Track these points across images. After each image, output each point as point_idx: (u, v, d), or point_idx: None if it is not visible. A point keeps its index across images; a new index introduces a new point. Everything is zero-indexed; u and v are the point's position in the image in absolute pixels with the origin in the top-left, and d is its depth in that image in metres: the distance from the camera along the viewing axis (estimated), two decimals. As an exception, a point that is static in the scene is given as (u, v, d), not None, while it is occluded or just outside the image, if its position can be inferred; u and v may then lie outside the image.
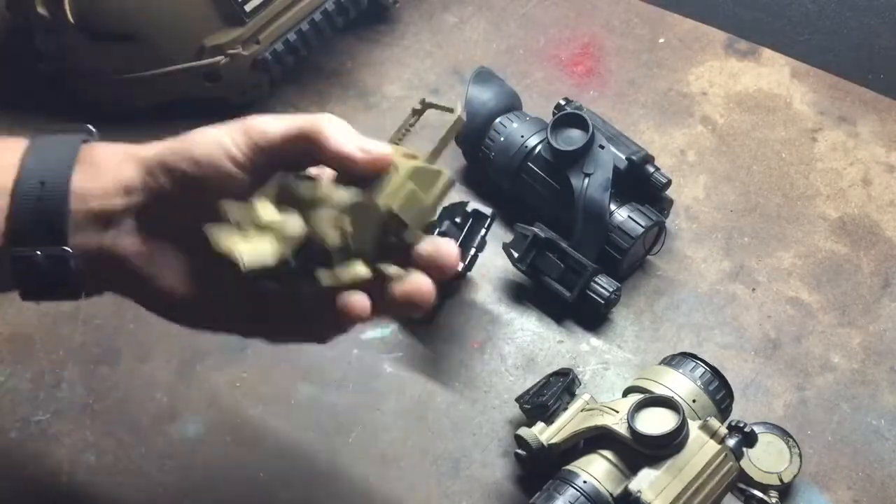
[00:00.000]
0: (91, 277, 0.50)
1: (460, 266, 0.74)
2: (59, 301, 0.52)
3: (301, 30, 0.89)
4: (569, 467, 0.65)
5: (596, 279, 0.77)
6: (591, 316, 0.80)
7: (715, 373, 0.68)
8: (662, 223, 0.81)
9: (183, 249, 0.51)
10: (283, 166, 0.50)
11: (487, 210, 0.77)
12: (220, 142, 0.48)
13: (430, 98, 0.58)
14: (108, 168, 0.49)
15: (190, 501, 0.70)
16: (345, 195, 0.49)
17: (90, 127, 0.51)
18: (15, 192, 0.47)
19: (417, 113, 0.55)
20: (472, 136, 0.85)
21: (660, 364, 0.71)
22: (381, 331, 0.79)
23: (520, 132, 0.82)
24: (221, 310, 0.53)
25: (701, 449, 0.62)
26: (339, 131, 0.50)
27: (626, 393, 0.70)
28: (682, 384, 0.67)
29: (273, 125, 0.50)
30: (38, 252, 0.48)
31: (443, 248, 0.51)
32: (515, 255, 0.79)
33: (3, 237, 0.47)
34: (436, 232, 0.75)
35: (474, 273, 0.82)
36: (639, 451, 0.62)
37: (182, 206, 0.49)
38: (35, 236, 0.48)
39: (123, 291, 0.53)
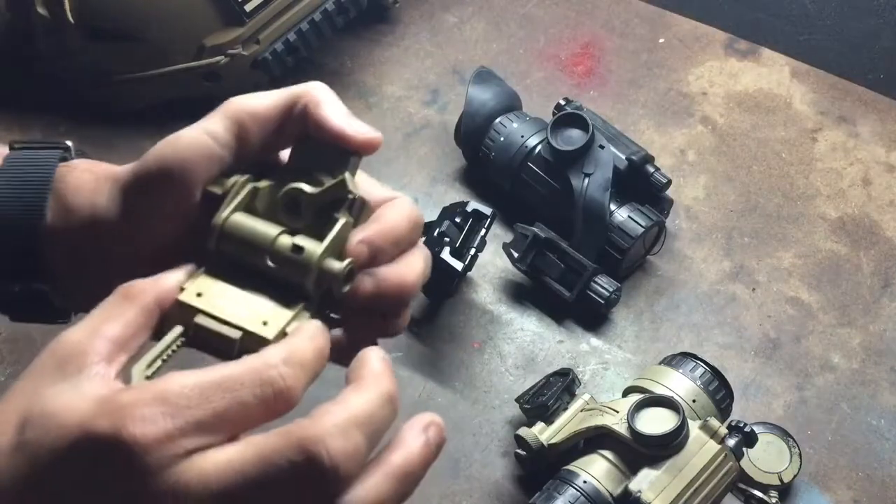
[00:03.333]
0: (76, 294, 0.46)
1: (460, 266, 0.74)
2: (50, 324, 0.49)
3: (301, 30, 0.89)
4: (569, 467, 0.65)
5: (596, 279, 0.77)
6: (591, 316, 0.80)
7: (715, 373, 0.68)
8: (662, 223, 0.81)
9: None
10: (271, 144, 0.46)
11: (487, 210, 0.77)
12: (199, 144, 0.42)
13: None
14: (82, 202, 0.45)
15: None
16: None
17: (67, 143, 0.48)
18: None
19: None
20: (472, 136, 0.85)
21: (660, 364, 0.71)
22: (381, 331, 0.79)
23: (520, 132, 0.82)
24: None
25: (701, 449, 0.62)
26: (334, 104, 0.44)
27: (626, 393, 0.70)
28: (682, 384, 0.67)
29: (261, 102, 0.45)
30: (17, 287, 0.45)
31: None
32: (515, 255, 0.78)
33: None
34: (436, 232, 0.75)
35: (474, 273, 0.82)
36: (639, 451, 0.62)
37: (164, 216, 0.43)
38: (8, 270, 0.45)
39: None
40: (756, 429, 0.66)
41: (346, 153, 0.45)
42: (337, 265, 0.45)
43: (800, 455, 0.71)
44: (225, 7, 0.85)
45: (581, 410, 0.69)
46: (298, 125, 0.43)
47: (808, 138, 0.92)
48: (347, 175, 0.46)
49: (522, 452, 0.69)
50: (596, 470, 0.63)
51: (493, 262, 0.83)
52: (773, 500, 0.69)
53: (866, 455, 0.73)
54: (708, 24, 1.01)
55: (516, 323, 0.80)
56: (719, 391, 0.68)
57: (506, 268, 0.82)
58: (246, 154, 0.44)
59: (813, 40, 1.02)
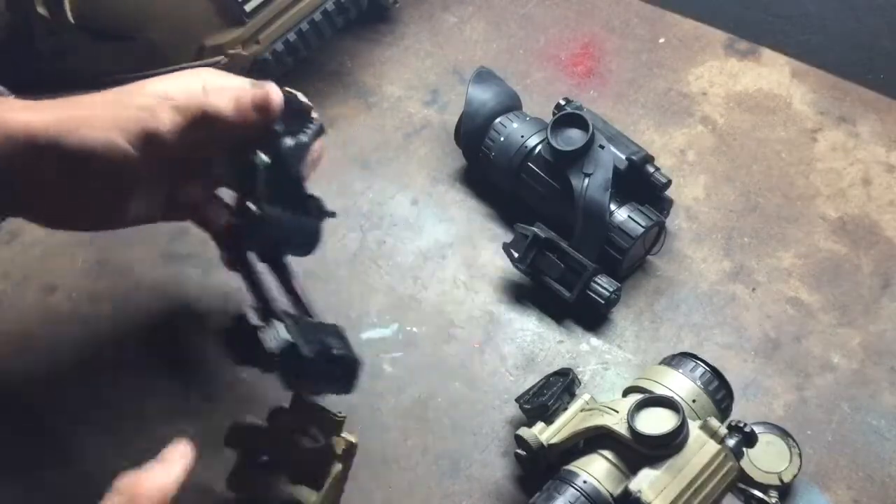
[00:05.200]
0: None
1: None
2: None
3: (301, 30, 0.89)
4: (569, 467, 0.65)
5: (596, 279, 0.77)
6: (591, 316, 0.80)
7: (715, 373, 0.69)
8: (662, 223, 0.81)
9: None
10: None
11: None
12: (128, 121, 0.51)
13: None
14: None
15: (190, 502, 0.70)
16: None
17: None
18: None
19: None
20: (472, 136, 0.85)
21: (660, 364, 0.71)
22: (381, 331, 0.79)
23: (520, 132, 0.82)
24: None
25: (701, 449, 0.62)
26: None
27: (626, 393, 0.70)
28: (682, 384, 0.67)
29: (221, 103, 0.54)
30: None
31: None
32: (515, 255, 0.79)
33: None
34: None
35: (474, 272, 0.82)
36: (639, 451, 0.62)
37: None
38: None
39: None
40: (756, 429, 0.66)
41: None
42: None
43: (800, 455, 0.71)
44: (225, 7, 0.85)
45: (581, 410, 0.69)
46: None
47: (808, 138, 0.92)
48: (335, 439, 0.63)
49: (522, 452, 0.69)
50: (596, 470, 0.63)
51: (493, 262, 0.83)
52: (773, 500, 0.69)
53: (866, 455, 0.73)
54: (708, 24, 1.01)
55: (516, 323, 0.80)
56: (719, 391, 0.68)
57: (506, 268, 0.82)
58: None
59: (813, 40, 1.02)
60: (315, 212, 0.61)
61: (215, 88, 0.54)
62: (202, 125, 0.53)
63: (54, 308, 0.79)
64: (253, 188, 0.55)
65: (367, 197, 0.87)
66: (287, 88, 0.58)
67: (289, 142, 0.56)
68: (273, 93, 0.55)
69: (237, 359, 0.59)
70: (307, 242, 0.62)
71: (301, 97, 0.59)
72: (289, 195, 0.58)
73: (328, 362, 0.58)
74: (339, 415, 0.63)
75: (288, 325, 0.56)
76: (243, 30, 0.85)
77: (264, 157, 0.55)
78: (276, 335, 0.55)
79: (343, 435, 0.63)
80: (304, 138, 0.58)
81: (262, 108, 0.54)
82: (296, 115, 0.58)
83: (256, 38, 0.86)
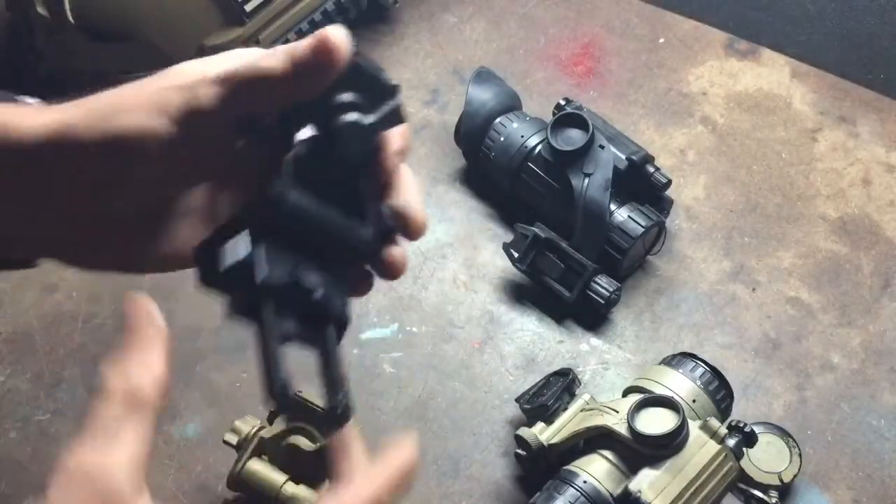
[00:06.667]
0: None
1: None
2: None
3: (301, 30, 0.89)
4: (569, 467, 0.65)
5: (596, 279, 0.77)
6: (591, 316, 0.80)
7: (715, 373, 0.68)
8: (662, 223, 0.81)
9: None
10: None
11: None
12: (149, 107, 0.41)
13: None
14: None
15: (189, 501, 0.70)
16: None
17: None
18: None
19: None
20: (472, 136, 0.85)
21: (660, 364, 0.71)
22: (380, 331, 0.79)
23: (520, 132, 0.82)
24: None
25: (701, 449, 0.62)
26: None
27: (626, 393, 0.70)
28: (682, 384, 0.67)
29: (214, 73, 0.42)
30: None
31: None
32: (515, 255, 0.79)
33: None
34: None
35: (474, 273, 0.82)
36: (639, 451, 0.62)
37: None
38: None
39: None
40: (756, 429, 0.66)
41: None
42: None
43: (800, 455, 0.71)
44: (225, 7, 0.85)
45: (581, 410, 0.69)
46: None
47: (808, 138, 0.92)
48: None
49: (522, 452, 0.69)
50: (596, 470, 0.63)
51: (493, 262, 0.83)
52: (773, 500, 0.69)
53: (866, 455, 0.73)
54: (708, 24, 1.01)
55: (516, 323, 0.80)
56: (719, 391, 0.68)
57: (506, 268, 0.82)
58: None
59: (813, 40, 1.02)
60: (378, 223, 0.42)
61: (261, 55, 0.41)
62: (250, 94, 0.42)
63: (54, 308, 0.79)
64: (277, 161, 0.39)
65: (367, 197, 0.87)
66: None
67: (348, 117, 0.40)
68: (333, 33, 0.39)
69: (202, 280, 0.41)
70: (352, 270, 0.42)
71: (384, 74, 0.43)
72: (338, 193, 0.41)
73: (302, 306, 0.38)
74: None
75: (255, 238, 0.38)
76: (243, 30, 0.85)
77: (308, 129, 0.41)
78: (235, 250, 0.39)
79: None
80: (368, 119, 0.41)
81: (323, 53, 0.39)
82: (370, 91, 0.42)
83: (256, 38, 0.86)
